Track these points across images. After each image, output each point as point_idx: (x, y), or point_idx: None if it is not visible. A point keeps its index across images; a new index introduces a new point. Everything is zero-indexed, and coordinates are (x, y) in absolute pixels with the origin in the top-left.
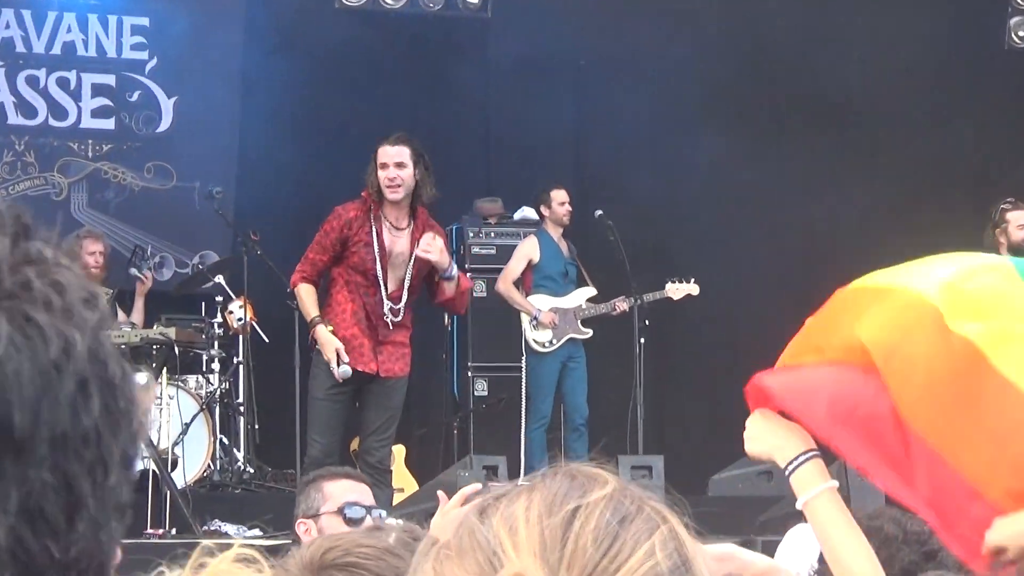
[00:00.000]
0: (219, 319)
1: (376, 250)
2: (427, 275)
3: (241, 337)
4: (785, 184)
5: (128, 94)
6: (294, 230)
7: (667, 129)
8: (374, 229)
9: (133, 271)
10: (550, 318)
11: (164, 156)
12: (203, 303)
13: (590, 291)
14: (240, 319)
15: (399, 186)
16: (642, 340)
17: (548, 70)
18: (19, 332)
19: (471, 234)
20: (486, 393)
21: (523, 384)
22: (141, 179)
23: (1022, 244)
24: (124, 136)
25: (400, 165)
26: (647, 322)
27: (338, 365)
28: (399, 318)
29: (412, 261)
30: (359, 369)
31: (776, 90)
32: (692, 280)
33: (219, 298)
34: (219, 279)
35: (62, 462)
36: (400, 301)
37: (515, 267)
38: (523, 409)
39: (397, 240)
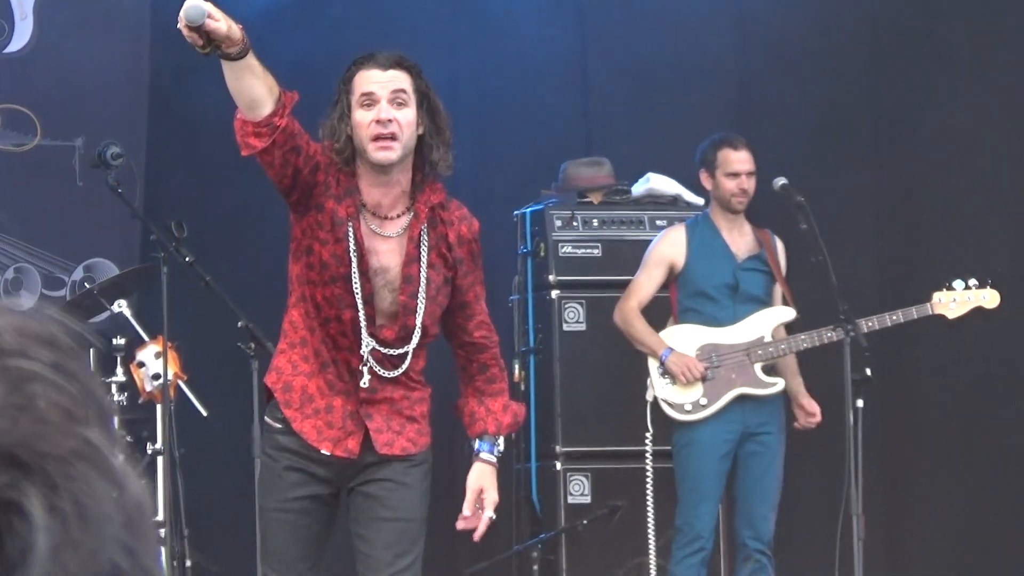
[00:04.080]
0: (120, 377)
1: (352, 248)
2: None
3: (160, 408)
4: None
5: None
6: (246, 219)
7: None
8: (348, 214)
9: None
10: (684, 365)
11: (20, 94)
12: (91, 350)
13: (781, 313)
14: (156, 376)
15: (393, 139)
16: (859, 402)
17: None
18: None
19: (558, 223)
20: (588, 499)
21: (649, 480)
22: None
23: None
24: None
25: (398, 101)
26: (869, 371)
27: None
28: (393, 373)
29: (424, 286)
30: (325, 452)
31: None
32: (988, 283)
33: (120, 340)
34: (120, 307)
35: None
36: (402, 346)
37: (644, 282)
38: (651, 524)
39: (382, 245)
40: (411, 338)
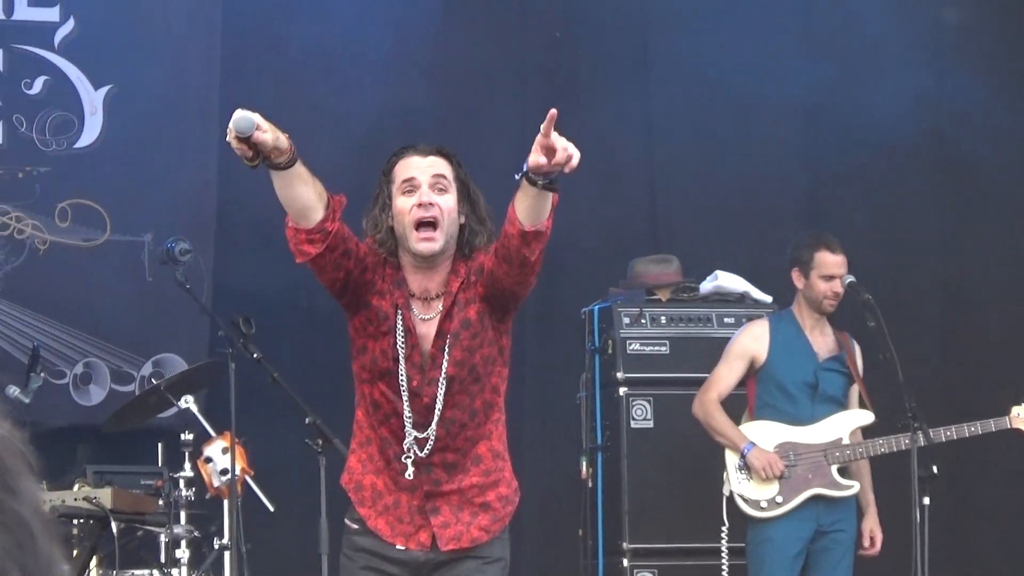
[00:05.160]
0: (188, 472)
1: (402, 339)
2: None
3: (227, 504)
4: None
5: (26, 82)
6: (313, 315)
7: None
8: (398, 306)
9: (14, 391)
10: (767, 460)
11: (90, 190)
12: (160, 445)
13: (860, 417)
14: (224, 472)
15: (435, 225)
16: (926, 500)
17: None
18: None
19: (626, 320)
20: None
21: (724, 574)
22: (50, 229)
23: None
24: (19, 155)
25: (439, 186)
26: (935, 468)
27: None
28: (425, 451)
29: (448, 352)
30: (400, 547)
31: None
32: None
33: (187, 435)
34: (187, 403)
35: None
36: (427, 427)
37: (725, 374)
38: None
39: (429, 327)
40: (436, 397)
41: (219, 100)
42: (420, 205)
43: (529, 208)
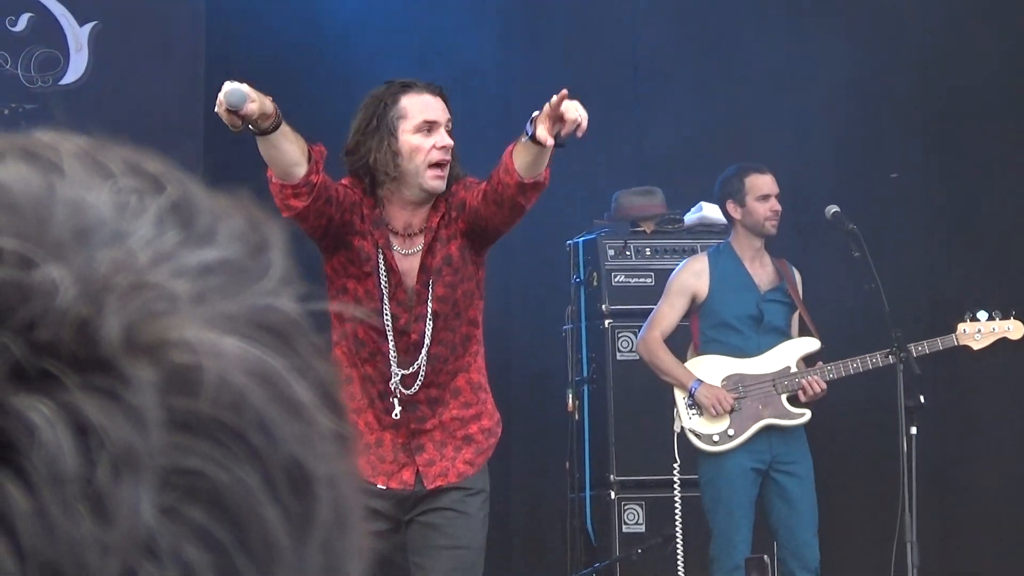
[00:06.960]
0: None
1: (385, 278)
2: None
3: None
4: None
5: (10, 19)
6: (303, 251)
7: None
8: (379, 245)
9: None
10: (715, 396)
11: (75, 126)
12: None
13: (807, 344)
14: None
15: (445, 165)
16: (913, 429)
17: None
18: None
19: (610, 252)
20: (643, 528)
21: (678, 511)
22: None
23: None
24: (5, 92)
25: (447, 128)
26: (922, 398)
27: None
28: (413, 389)
29: (432, 288)
30: (381, 486)
31: None
32: (1012, 313)
33: None
34: None
35: None
36: (412, 364)
37: (667, 312)
38: (680, 555)
39: (411, 262)
40: (424, 334)
41: (205, 35)
42: (442, 148)
43: (530, 163)
